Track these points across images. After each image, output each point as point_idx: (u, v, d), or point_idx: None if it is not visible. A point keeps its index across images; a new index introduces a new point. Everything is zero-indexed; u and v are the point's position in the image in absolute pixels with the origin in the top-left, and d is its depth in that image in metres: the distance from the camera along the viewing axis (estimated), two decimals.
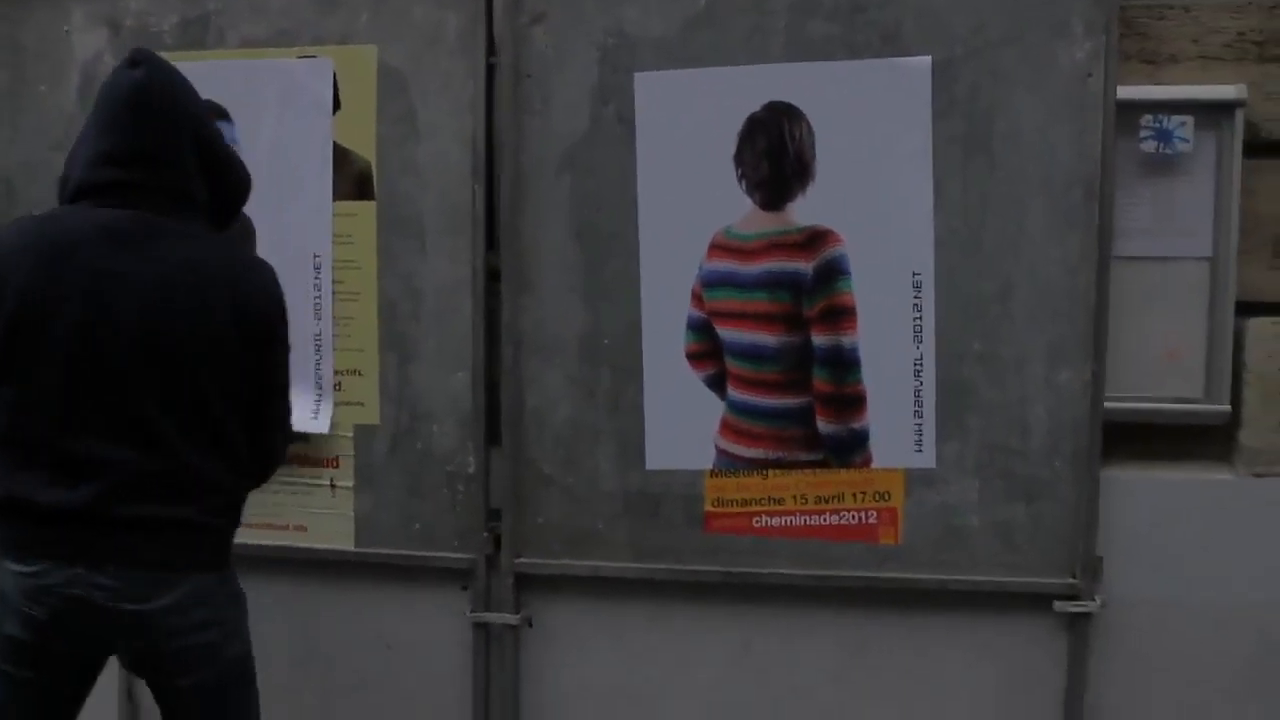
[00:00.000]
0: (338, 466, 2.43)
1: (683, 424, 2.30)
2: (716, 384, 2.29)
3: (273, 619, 2.48)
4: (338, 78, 2.36)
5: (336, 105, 2.36)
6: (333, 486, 2.43)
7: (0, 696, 1.83)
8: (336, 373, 2.40)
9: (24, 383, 1.76)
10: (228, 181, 1.91)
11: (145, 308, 1.74)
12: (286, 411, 1.97)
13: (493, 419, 2.36)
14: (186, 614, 1.79)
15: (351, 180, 2.37)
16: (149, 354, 1.74)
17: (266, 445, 1.92)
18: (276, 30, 2.38)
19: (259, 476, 1.95)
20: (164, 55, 2.37)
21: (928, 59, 2.18)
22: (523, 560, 2.37)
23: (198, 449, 1.78)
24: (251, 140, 2.38)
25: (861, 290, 2.23)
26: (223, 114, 2.40)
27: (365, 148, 2.36)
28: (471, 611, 2.39)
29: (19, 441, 1.76)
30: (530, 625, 2.39)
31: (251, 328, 1.83)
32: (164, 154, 1.80)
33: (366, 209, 2.37)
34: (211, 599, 1.84)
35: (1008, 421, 2.20)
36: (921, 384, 2.23)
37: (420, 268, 2.36)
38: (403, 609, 2.45)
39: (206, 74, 2.37)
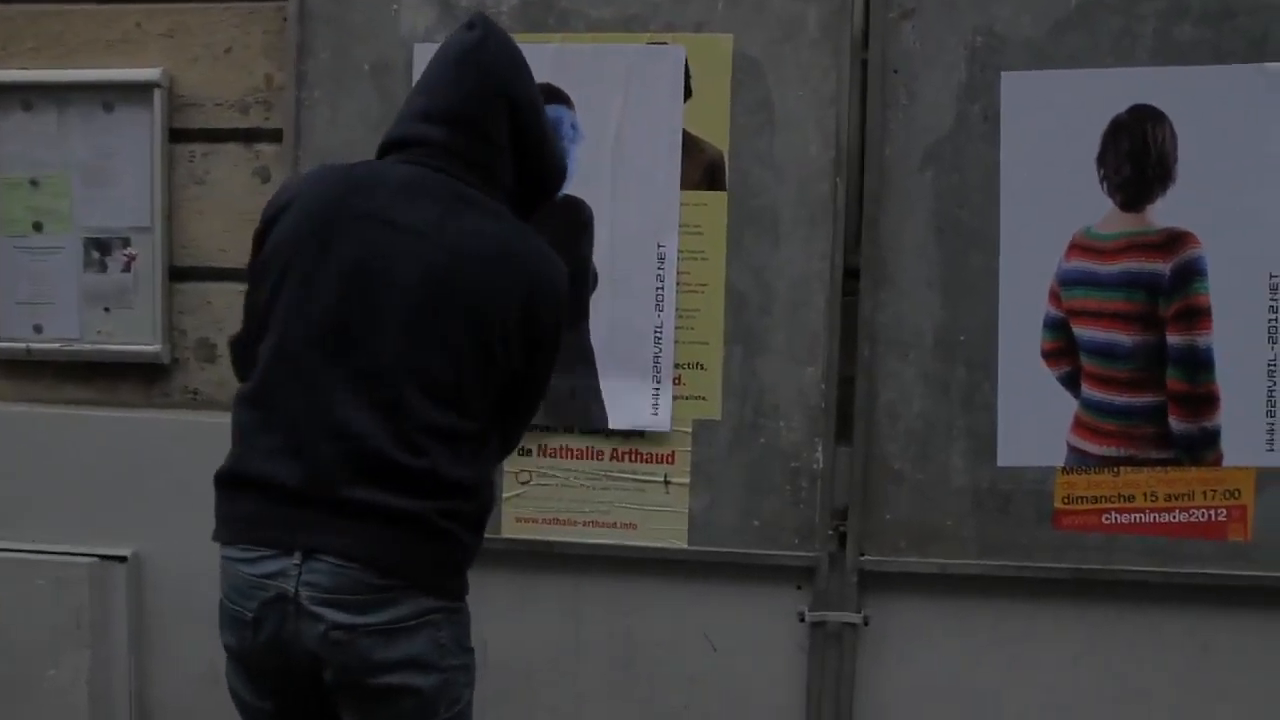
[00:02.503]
0: (673, 462, 2.37)
1: (1036, 421, 2.31)
2: (1070, 382, 2.30)
3: (596, 618, 2.44)
4: (689, 65, 2.31)
5: (688, 94, 2.32)
6: (667, 483, 2.37)
7: None
8: (676, 366, 2.35)
9: (273, 320, 1.59)
10: (538, 170, 1.75)
11: (429, 274, 1.56)
12: (533, 414, 1.83)
13: (840, 415, 2.34)
14: (394, 644, 1.54)
15: (701, 169, 2.32)
16: (421, 326, 1.56)
17: (507, 443, 1.81)
18: (626, 16, 2.33)
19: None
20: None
21: None
22: (866, 558, 2.34)
23: (446, 439, 1.56)
24: (594, 127, 2.33)
25: (1217, 291, 2.26)
26: (563, 99, 2.34)
27: (718, 137, 2.32)
28: (811, 610, 2.35)
29: (262, 396, 1.59)
30: (866, 624, 2.37)
31: (538, 325, 1.66)
32: (478, 121, 1.66)
33: (717, 199, 2.33)
34: (431, 634, 1.58)
35: None
36: (1276, 383, 2.27)
37: (772, 260, 2.32)
38: (733, 608, 2.40)
39: (548, 58, 2.34)
